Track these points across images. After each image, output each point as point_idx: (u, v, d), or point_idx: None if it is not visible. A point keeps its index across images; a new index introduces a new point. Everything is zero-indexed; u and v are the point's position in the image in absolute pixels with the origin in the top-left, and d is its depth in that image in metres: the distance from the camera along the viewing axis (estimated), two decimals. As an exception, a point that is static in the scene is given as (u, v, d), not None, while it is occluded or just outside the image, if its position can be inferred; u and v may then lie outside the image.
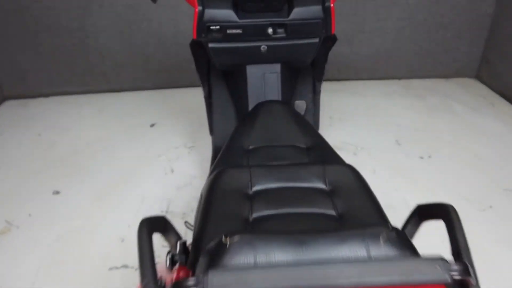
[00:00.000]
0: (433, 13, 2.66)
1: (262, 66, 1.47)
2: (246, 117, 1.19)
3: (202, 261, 0.51)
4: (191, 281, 0.43)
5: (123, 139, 2.23)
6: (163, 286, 0.46)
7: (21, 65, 2.60)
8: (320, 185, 0.84)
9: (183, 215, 1.64)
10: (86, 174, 1.94)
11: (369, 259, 0.49)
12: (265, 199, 0.80)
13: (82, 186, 1.86)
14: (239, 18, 1.32)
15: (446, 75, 2.96)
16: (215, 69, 1.56)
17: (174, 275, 0.60)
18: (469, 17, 2.70)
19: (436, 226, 0.68)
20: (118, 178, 1.91)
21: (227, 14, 1.31)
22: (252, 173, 0.84)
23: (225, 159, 0.95)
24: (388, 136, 2.25)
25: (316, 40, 1.39)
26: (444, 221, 0.55)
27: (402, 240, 0.52)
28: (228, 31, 1.33)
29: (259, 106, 1.27)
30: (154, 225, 0.57)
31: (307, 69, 1.66)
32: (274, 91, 1.50)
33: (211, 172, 0.94)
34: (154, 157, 2.05)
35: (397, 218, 0.85)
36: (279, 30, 1.36)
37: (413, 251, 0.52)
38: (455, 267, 0.45)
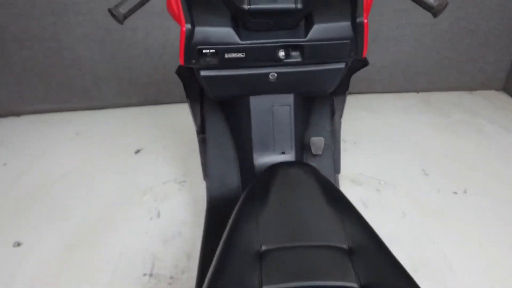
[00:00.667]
0: (459, 19, 2.34)
1: (270, 97, 1.15)
2: (252, 190, 0.85)
3: None
4: None
5: (103, 169, 1.89)
6: None
7: (-13, 80, 2.26)
8: None
9: (171, 280, 1.31)
10: (56, 217, 1.61)
11: None
12: None
13: (51, 234, 1.53)
14: (241, 39, 0.99)
15: (470, 88, 2.64)
16: (209, 97, 1.23)
17: None
18: (500, 22, 2.38)
19: None
20: (94, 223, 1.57)
21: (225, 33, 0.98)
22: None
23: (224, 271, 0.62)
24: (412, 164, 1.92)
25: (342, 65, 1.06)
26: None
27: None
28: (227, 56, 1.00)
29: (271, 171, 0.91)
30: None
31: (324, 97, 1.34)
32: (285, 129, 1.17)
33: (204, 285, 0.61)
34: (138, 195, 1.72)
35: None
36: (294, 53, 1.03)
37: None
38: None
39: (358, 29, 0.99)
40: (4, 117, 2.36)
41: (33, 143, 2.12)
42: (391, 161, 1.94)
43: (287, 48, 1.02)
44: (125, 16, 0.78)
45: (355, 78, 2.47)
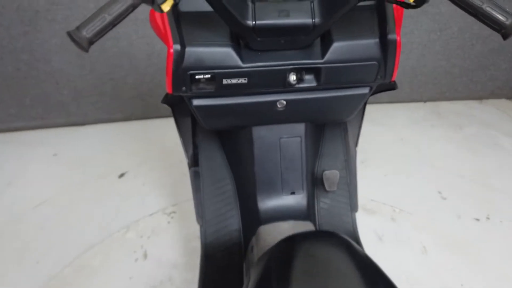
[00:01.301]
0: (471, 24, 2.16)
1: (278, 127, 0.95)
2: (263, 278, 0.63)
3: None
4: None
5: (82, 199, 1.67)
6: None
7: (-48, 96, 2.02)
8: None
9: None
10: (25, 261, 1.39)
11: None
12: None
13: (18, 284, 1.31)
14: (243, 61, 0.78)
15: (479, 97, 2.47)
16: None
17: None
18: (512, 27, 2.20)
19: None
20: (69, 268, 1.36)
21: (224, 54, 0.77)
22: None
23: None
24: (428, 186, 1.74)
25: (366, 90, 0.87)
26: None
27: None
28: (225, 82, 0.80)
29: (289, 247, 0.67)
30: None
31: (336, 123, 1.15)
32: (295, 164, 0.97)
33: None
34: (122, 230, 1.50)
35: None
36: (307, 77, 0.83)
37: None
38: None
39: (388, 47, 0.79)
40: (-28, 137, 2.12)
41: (2, 167, 1.89)
42: (404, 182, 1.75)
43: (300, 71, 0.82)
44: (91, 41, 0.57)
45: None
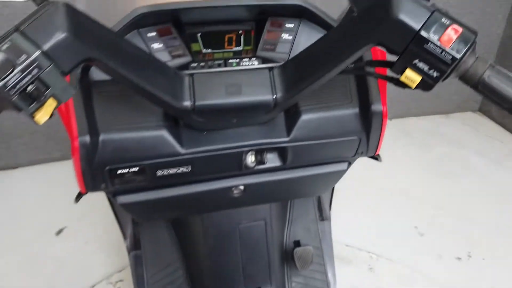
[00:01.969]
0: (435, 39, 2.06)
1: (236, 212, 0.75)
2: None
3: None
4: None
5: (12, 263, 1.40)
6: None
7: None
8: None
9: None
10: None
11: None
12: None
13: None
14: (184, 146, 0.58)
15: (446, 111, 2.39)
16: None
17: None
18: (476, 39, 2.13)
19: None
20: None
21: (156, 140, 0.57)
22: None
23: None
24: (403, 221, 1.61)
25: (344, 166, 0.69)
26: None
27: None
28: (160, 173, 0.59)
29: None
30: None
31: None
32: (259, 254, 0.78)
33: None
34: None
35: None
36: (270, 157, 0.64)
37: None
38: None
39: (372, 120, 0.62)
40: None
41: None
42: (378, 219, 1.61)
43: (260, 151, 0.63)
44: None
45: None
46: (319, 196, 0.98)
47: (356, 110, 0.61)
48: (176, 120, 0.59)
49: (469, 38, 0.38)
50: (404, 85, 0.45)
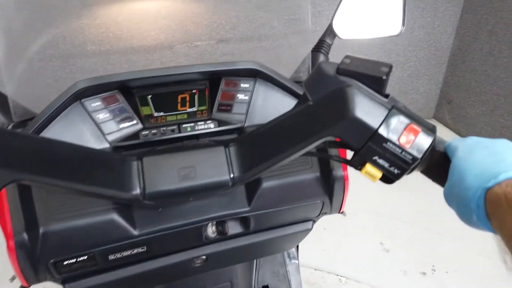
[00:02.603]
0: (390, 51, 2.11)
1: (201, 276, 0.71)
2: None
3: None
4: None
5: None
6: None
7: None
8: None
9: None
10: None
11: None
12: None
13: None
14: (137, 228, 0.54)
15: (403, 120, 2.45)
16: None
17: None
18: (427, 52, 2.20)
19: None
20: None
21: (106, 225, 0.52)
22: None
23: None
24: (368, 237, 1.63)
25: (308, 225, 0.67)
26: None
27: None
28: (113, 257, 0.55)
29: None
30: None
31: None
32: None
33: None
34: None
35: None
36: (232, 225, 0.61)
37: None
38: None
39: (334, 184, 0.60)
40: None
41: None
42: (344, 238, 1.61)
43: (221, 222, 0.60)
44: None
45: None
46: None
47: (317, 174, 0.59)
48: (129, 206, 0.54)
49: (428, 137, 0.37)
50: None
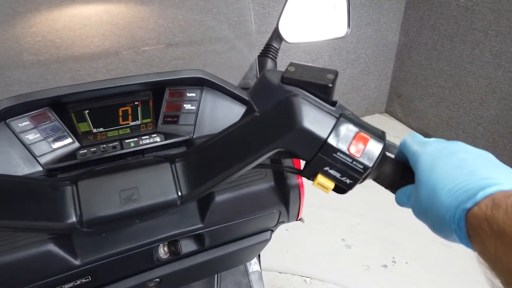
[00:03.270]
0: (340, 49, 2.14)
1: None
2: None
3: None
4: None
5: None
6: None
7: None
8: None
9: None
10: None
11: None
12: None
13: None
14: (79, 257, 0.49)
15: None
16: None
17: None
18: (376, 48, 2.26)
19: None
20: None
21: (41, 258, 0.47)
22: None
23: None
24: (330, 234, 1.64)
25: (267, 236, 0.65)
26: None
27: None
28: (53, 291, 0.50)
29: None
30: None
31: None
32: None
33: None
34: None
35: None
36: (186, 243, 0.58)
37: None
38: None
39: (289, 193, 0.58)
40: None
41: None
42: (308, 238, 1.62)
43: (172, 242, 0.56)
44: None
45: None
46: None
47: (272, 183, 0.57)
48: (69, 240, 0.50)
49: (378, 144, 0.36)
50: None
